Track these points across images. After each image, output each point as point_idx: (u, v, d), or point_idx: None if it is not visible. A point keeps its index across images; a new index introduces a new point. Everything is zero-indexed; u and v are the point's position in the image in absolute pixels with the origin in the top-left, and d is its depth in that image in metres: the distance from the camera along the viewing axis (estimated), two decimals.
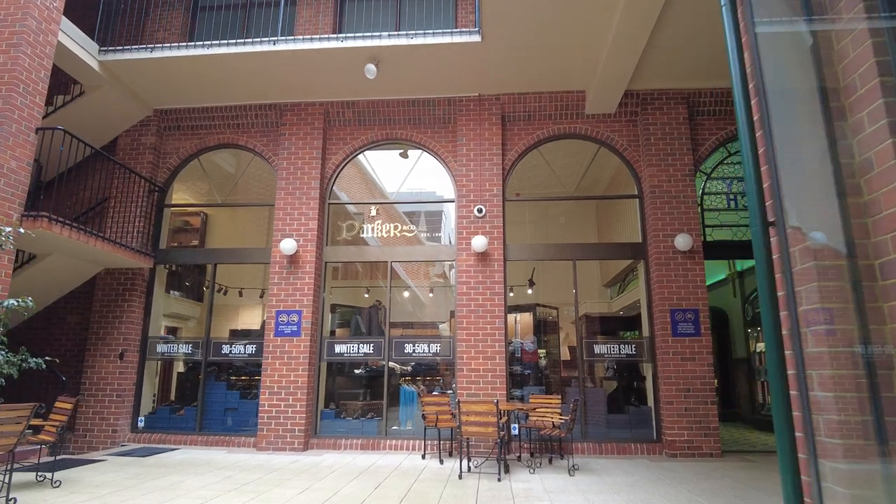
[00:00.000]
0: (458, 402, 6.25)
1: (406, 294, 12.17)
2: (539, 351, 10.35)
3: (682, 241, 7.99)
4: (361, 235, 9.11)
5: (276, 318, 8.35)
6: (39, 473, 5.62)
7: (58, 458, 7.00)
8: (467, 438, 6.21)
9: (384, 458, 7.33)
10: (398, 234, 9.01)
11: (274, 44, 7.87)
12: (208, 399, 8.65)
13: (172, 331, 13.00)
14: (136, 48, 8.11)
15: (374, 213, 9.16)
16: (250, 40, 7.93)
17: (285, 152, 8.95)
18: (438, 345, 8.37)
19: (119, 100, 8.79)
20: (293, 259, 8.51)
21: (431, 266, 12.12)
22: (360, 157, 9.28)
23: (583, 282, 8.60)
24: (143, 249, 8.70)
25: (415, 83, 8.57)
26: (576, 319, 8.51)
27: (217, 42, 7.99)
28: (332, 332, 10.32)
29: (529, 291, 11.34)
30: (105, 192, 9.12)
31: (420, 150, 9.15)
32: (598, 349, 8.27)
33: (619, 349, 8.30)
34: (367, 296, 11.73)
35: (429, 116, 9.00)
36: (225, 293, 13.00)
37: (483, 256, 8.27)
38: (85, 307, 8.96)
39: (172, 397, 9.89)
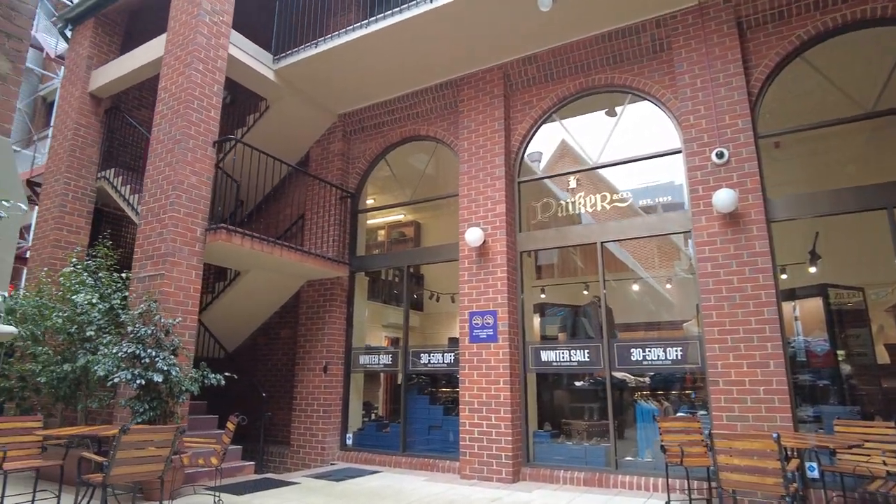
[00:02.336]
0: (711, 433, 4.08)
1: (636, 287, 9.97)
2: (837, 352, 7.25)
3: None
4: (561, 214, 7.38)
5: (470, 321, 7.11)
6: (217, 497, 5.19)
7: (261, 477, 6.75)
8: (732, 490, 4.01)
9: (612, 502, 5.42)
10: (607, 207, 7.04)
11: (432, 1, 6.74)
12: (411, 415, 7.79)
13: (395, 342, 12.93)
14: (303, 47, 7.80)
15: (573, 184, 7.36)
16: (406, 6, 6.95)
17: (465, 131, 7.75)
18: (680, 349, 6.13)
19: (302, 109, 8.65)
20: (482, 251, 7.20)
21: (665, 249, 9.73)
22: (553, 122, 7.58)
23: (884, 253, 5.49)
24: (337, 258, 8.33)
25: (608, 8, 6.60)
26: None
27: (374, 19, 7.20)
28: (555, 338, 8.73)
29: (812, 269, 8.15)
30: (302, 206, 9.09)
31: (626, 97, 7.09)
32: None
33: None
34: (586, 292, 9.86)
35: (632, 48, 6.90)
36: (437, 299, 12.42)
37: (732, 219, 5.83)
38: (295, 321, 8.96)
39: (382, 412, 9.38)
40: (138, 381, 5.21)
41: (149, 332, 5.52)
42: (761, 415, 5.30)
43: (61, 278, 6.11)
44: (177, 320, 5.81)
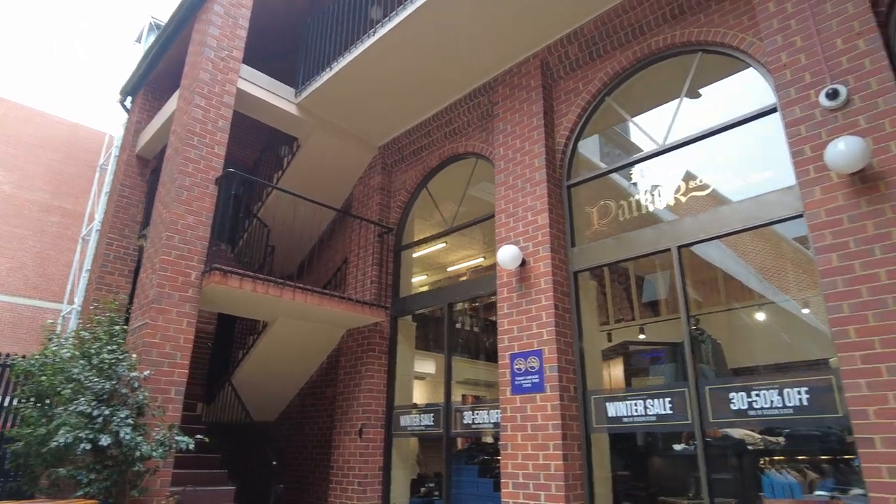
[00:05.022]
0: None
1: (761, 316, 7.59)
2: None
3: None
4: (622, 218, 5.63)
5: (511, 366, 5.51)
6: None
7: None
8: None
9: None
10: (681, 199, 5.20)
11: None
12: (455, 489, 6.20)
13: (476, 400, 11.62)
14: (320, 74, 7.17)
15: (635, 178, 5.63)
16: None
17: (500, 136, 6.46)
18: (804, 389, 3.99)
19: (334, 144, 7.96)
20: (522, 275, 5.67)
21: (798, 258, 7.31)
22: (609, 110, 6.02)
23: None
24: (372, 301, 7.25)
25: None
26: None
27: (380, 24, 6.36)
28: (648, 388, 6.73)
29: None
30: (346, 249, 8.28)
31: (693, 59, 5.37)
32: None
33: None
34: (695, 328, 7.64)
35: None
36: None
37: (865, 183, 3.80)
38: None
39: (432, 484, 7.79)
40: (82, 446, 4.42)
41: (107, 387, 4.77)
42: None
43: (48, 332, 5.71)
44: (144, 374, 5.03)
